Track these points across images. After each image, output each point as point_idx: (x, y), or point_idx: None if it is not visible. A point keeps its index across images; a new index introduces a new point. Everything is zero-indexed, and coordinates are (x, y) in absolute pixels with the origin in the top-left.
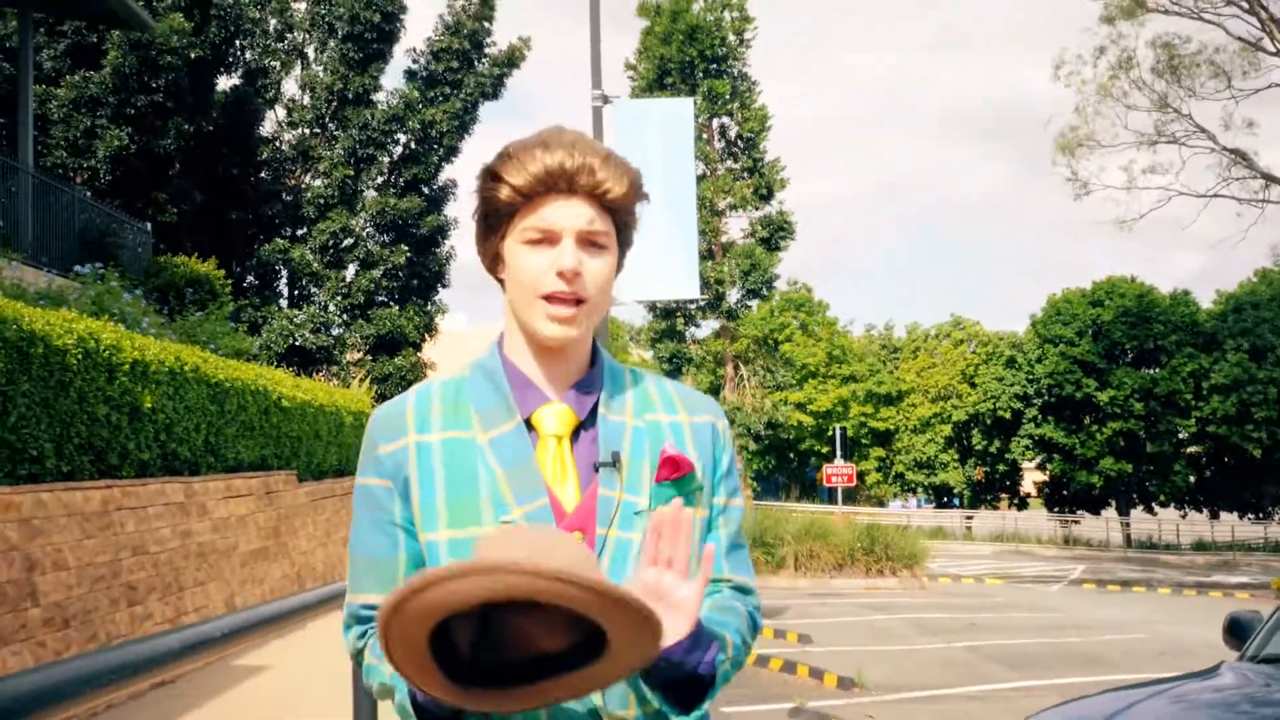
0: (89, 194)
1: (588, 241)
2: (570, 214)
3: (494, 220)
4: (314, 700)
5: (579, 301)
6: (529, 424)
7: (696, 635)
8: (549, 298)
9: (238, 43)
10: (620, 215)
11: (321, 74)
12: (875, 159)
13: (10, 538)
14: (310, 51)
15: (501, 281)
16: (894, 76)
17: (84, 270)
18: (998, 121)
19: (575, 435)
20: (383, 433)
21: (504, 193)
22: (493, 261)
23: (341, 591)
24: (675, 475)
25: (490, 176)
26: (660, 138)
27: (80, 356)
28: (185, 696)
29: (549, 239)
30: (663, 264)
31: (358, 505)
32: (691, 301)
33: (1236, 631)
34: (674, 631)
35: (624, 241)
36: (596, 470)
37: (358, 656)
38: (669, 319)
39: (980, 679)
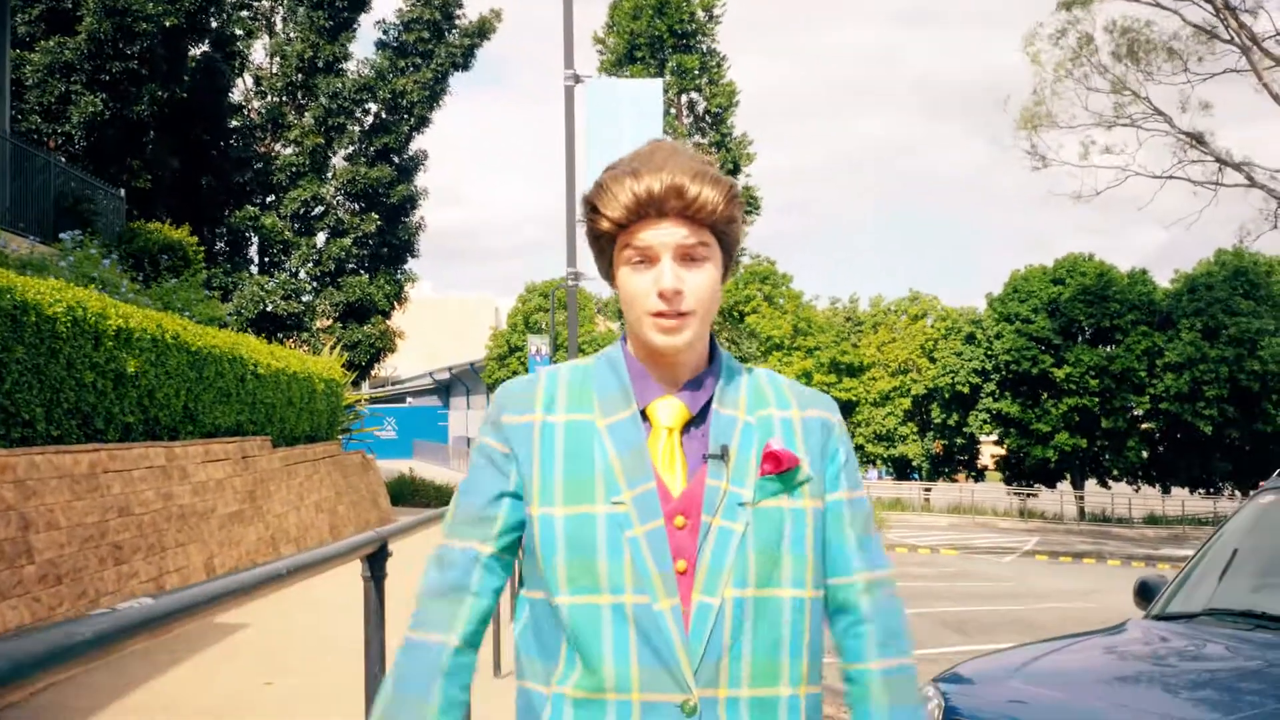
0: (64, 160)
1: (686, 257)
2: (664, 236)
3: (601, 243)
4: (292, 657)
5: (683, 314)
6: (645, 415)
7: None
8: (655, 314)
9: (211, 10)
10: (718, 226)
11: (291, 42)
12: (845, 132)
13: (7, 498)
14: (278, 20)
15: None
16: (866, 51)
17: (65, 238)
18: (968, 98)
19: (687, 428)
20: (512, 405)
21: (602, 223)
22: (610, 275)
23: (317, 560)
24: (778, 470)
25: (589, 208)
26: (631, 117)
27: (69, 324)
28: (170, 652)
29: (649, 259)
30: None
31: (476, 459)
32: None
33: (1145, 594)
34: None
35: (726, 246)
36: (705, 461)
37: (416, 621)
38: None
39: (927, 643)
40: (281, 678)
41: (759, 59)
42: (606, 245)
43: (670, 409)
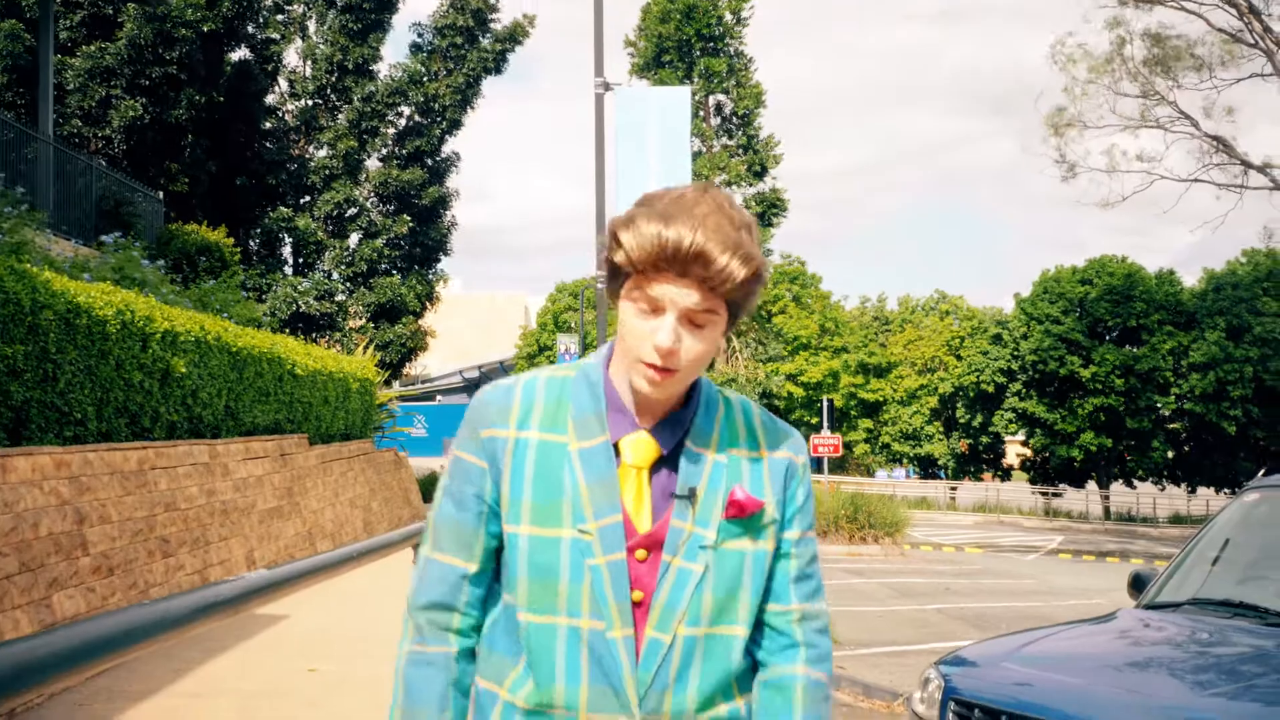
0: (104, 162)
1: (691, 320)
2: (676, 296)
3: (614, 271)
4: (329, 648)
5: (671, 371)
6: (616, 446)
7: None
8: (646, 363)
9: (249, 17)
10: (731, 298)
11: (321, 45)
12: (877, 130)
13: (63, 493)
14: (310, 24)
15: None
16: (899, 48)
17: (107, 240)
18: (1001, 96)
19: (659, 464)
20: (486, 418)
21: (620, 257)
22: (612, 299)
23: (379, 545)
24: (741, 515)
25: (613, 237)
26: (659, 124)
27: (118, 327)
28: (217, 640)
29: (654, 310)
30: None
31: (453, 473)
32: None
33: (1137, 585)
34: None
35: (734, 314)
36: (673, 499)
37: (416, 639)
38: None
39: (944, 637)
40: (324, 664)
41: (790, 56)
42: (620, 275)
43: (640, 448)
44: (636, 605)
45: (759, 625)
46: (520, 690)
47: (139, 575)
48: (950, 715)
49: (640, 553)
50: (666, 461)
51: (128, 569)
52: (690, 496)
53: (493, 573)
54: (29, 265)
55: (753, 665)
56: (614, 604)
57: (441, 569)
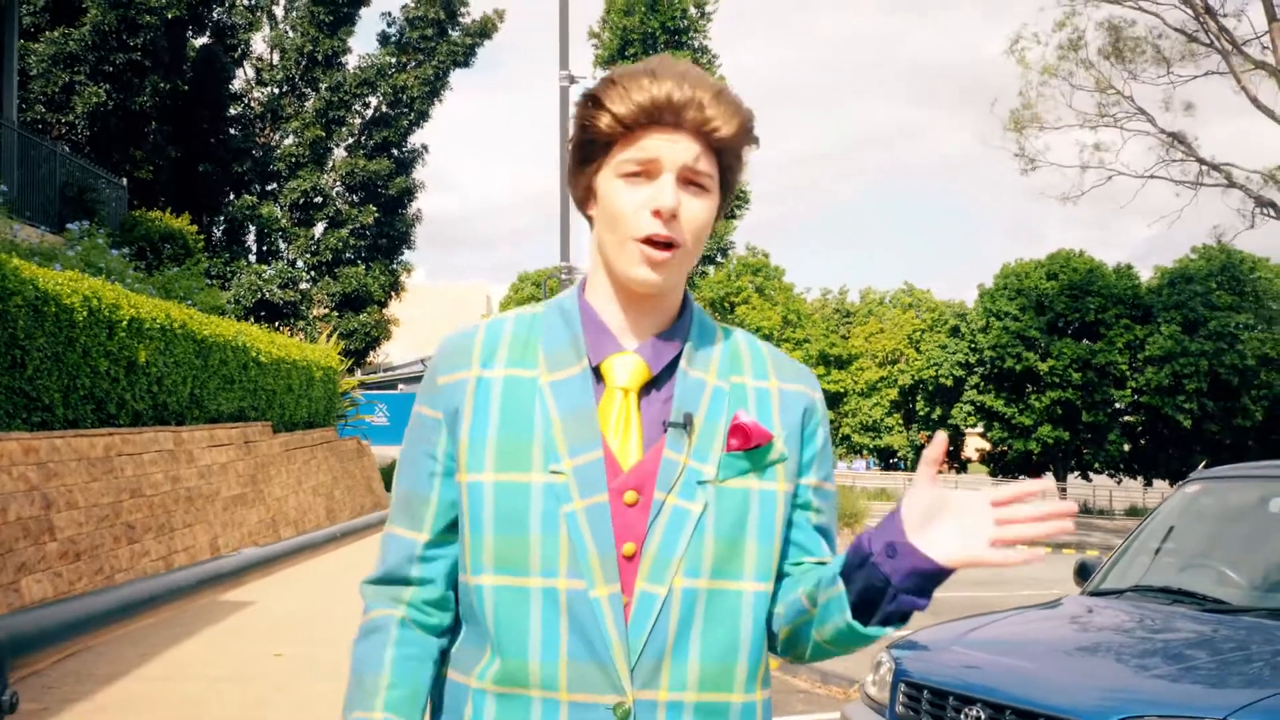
0: (67, 149)
1: (689, 181)
2: (674, 148)
3: (589, 150)
4: (295, 632)
5: (672, 246)
6: (598, 373)
7: (941, 575)
8: (644, 240)
9: (211, 2)
10: (726, 157)
11: (290, 34)
12: (839, 119)
13: (31, 479)
14: (278, 11)
15: (590, 219)
16: (859, 37)
17: (73, 228)
18: (961, 85)
19: (647, 390)
20: (446, 363)
21: (604, 121)
22: (584, 195)
23: (359, 526)
24: (746, 446)
25: (591, 102)
26: None
27: (85, 314)
28: (182, 625)
29: (648, 173)
30: None
31: (408, 432)
32: None
33: (1082, 573)
34: (939, 550)
35: (727, 185)
36: (665, 429)
37: (367, 611)
38: None
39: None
40: (290, 649)
41: (751, 43)
42: (598, 152)
43: (627, 366)
44: (628, 560)
45: (779, 580)
46: (489, 673)
47: (105, 561)
48: (900, 696)
49: (629, 495)
50: (658, 386)
51: (94, 555)
52: (686, 424)
53: (453, 544)
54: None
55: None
56: (595, 556)
57: (395, 542)
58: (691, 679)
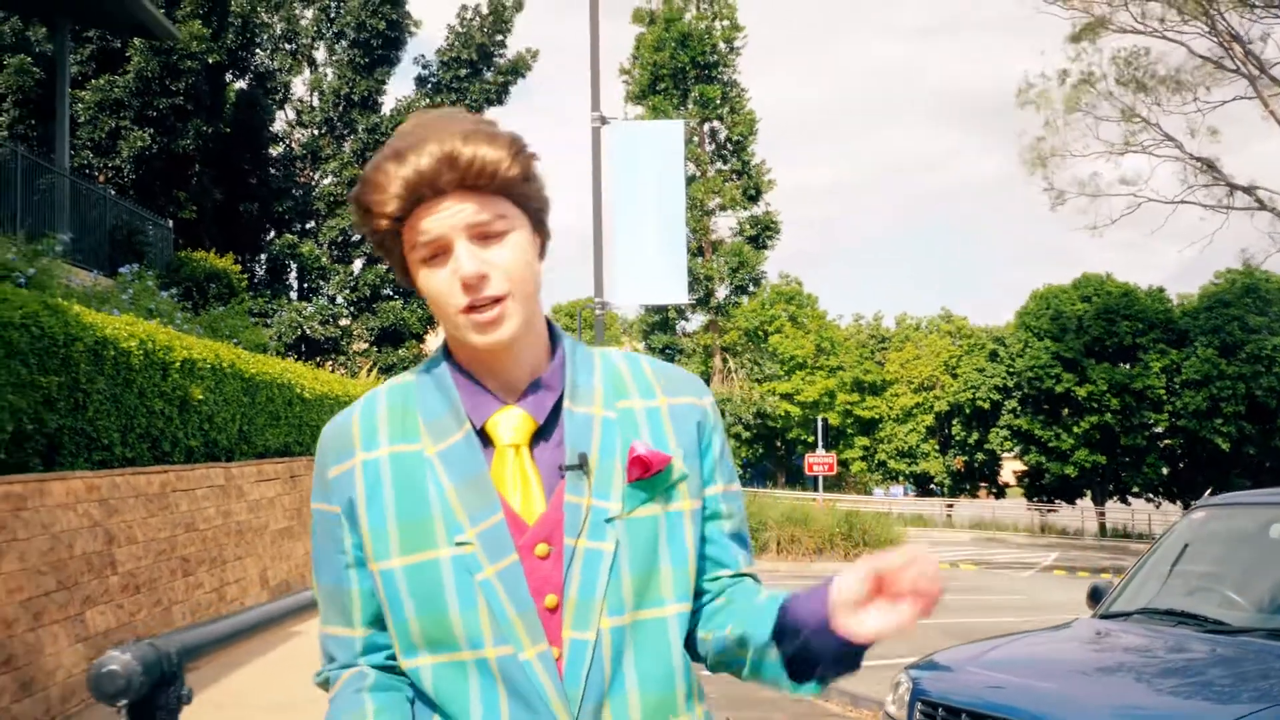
0: (113, 192)
1: (482, 235)
2: (450, 218)
3: (387, 246)
4: None
5: (497, 300)
6: (484, 434)
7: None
8: (467, 309)
9: (251, 47)
10: (509, 189)
11: (328, 77)
12: (868, 147)
13: (94, 515)
14: (318, 55)
15: None
16: (886, 64)
17: (124, 271)
18: (989, 108)
19: (536, 439)
20: (330, 454)
21: (378, 222)
22: (409, 284)
23: None
24: (647, 475)
25: (359, 209)
26: (653, 157)
27: (141, 357)
28: (229, 656)
29: (442, 250)
30: (654, 271)
31: (314, 528)
32: (680, 305)
33: (1095, 596)
34: (860, 631)
35: (529, 207)
36: (563, 474)
37: (323, 687)
38: (661, 312)
39: (927, 650)
40: None
41: (779, 75)
42: (393, 245)
43: (512, 422)
44: (551, 612)
45: (698, 595)
46: None
47: (162, 593)
48: (918, 715)
49: (540, 548)
50: (546, 434)
51: (152, 587)
52: (582, 465)
53: (385, 632)
54: (60, 300)
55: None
56: (516, 619)
57: (334, 641)
58: (633, 713)
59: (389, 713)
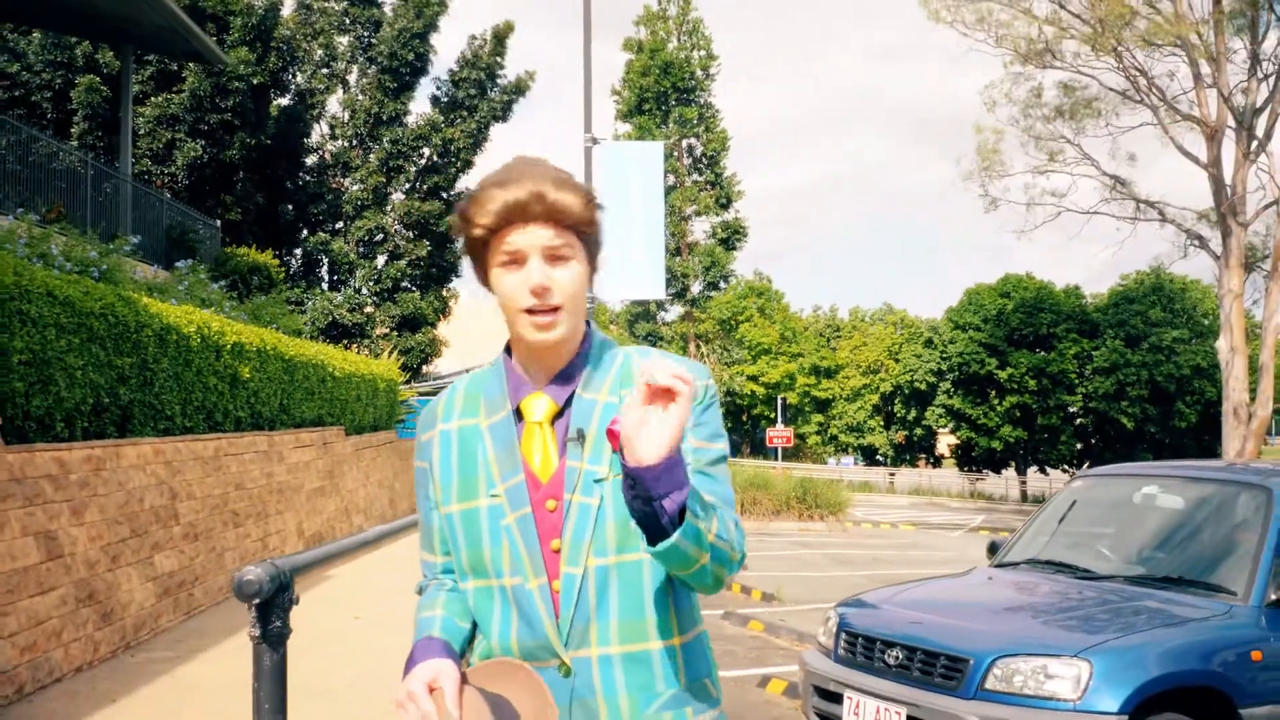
0: (169, 195)
1: (552, 256)
2: (531, 238)
3: (475, 252)
4: (367, 600)
5: (554, 309)
6: (520, 412)
7: (669, 467)
8: (528, 310)
9: (291, 70)
10: (579, 227)
11: (361, 98)
12: (826, 156)
13: (160, 475)
14: (351, 78)
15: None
16: (848, 82)
17: (180, 266)
18: (937, 125)
19: (558, 417)
20: (424, 424)
21: (476, 231)
22: (484, 281)
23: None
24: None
25: (462, 219)
26: (637, 174)
27: (198, 341)
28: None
29: (518, 261)
30: (636, 271)
31: (415, 480)
32: (659, 300)
33: (992, 550)
34: (645, 452)
35: (590, 248)
36: (566, 445)
37: (418, 593)
38: (643, 305)
39: None
40: (367, 613)
41: (749, 93)
42: (480, 251)
43: (538, 405)
44: (555, 553)
45: None
46: (477, 650)
47: (216, 541)
48: (842, 642)
49: (549, 503)
50: (564, 413)
51: (208, 536)
52: (580, 438)
53: None
54: (132, 293)
55: (685, 595)
56: (526, 556)
57: (424, 564)
58: (613, 635)
59: (455, 604)
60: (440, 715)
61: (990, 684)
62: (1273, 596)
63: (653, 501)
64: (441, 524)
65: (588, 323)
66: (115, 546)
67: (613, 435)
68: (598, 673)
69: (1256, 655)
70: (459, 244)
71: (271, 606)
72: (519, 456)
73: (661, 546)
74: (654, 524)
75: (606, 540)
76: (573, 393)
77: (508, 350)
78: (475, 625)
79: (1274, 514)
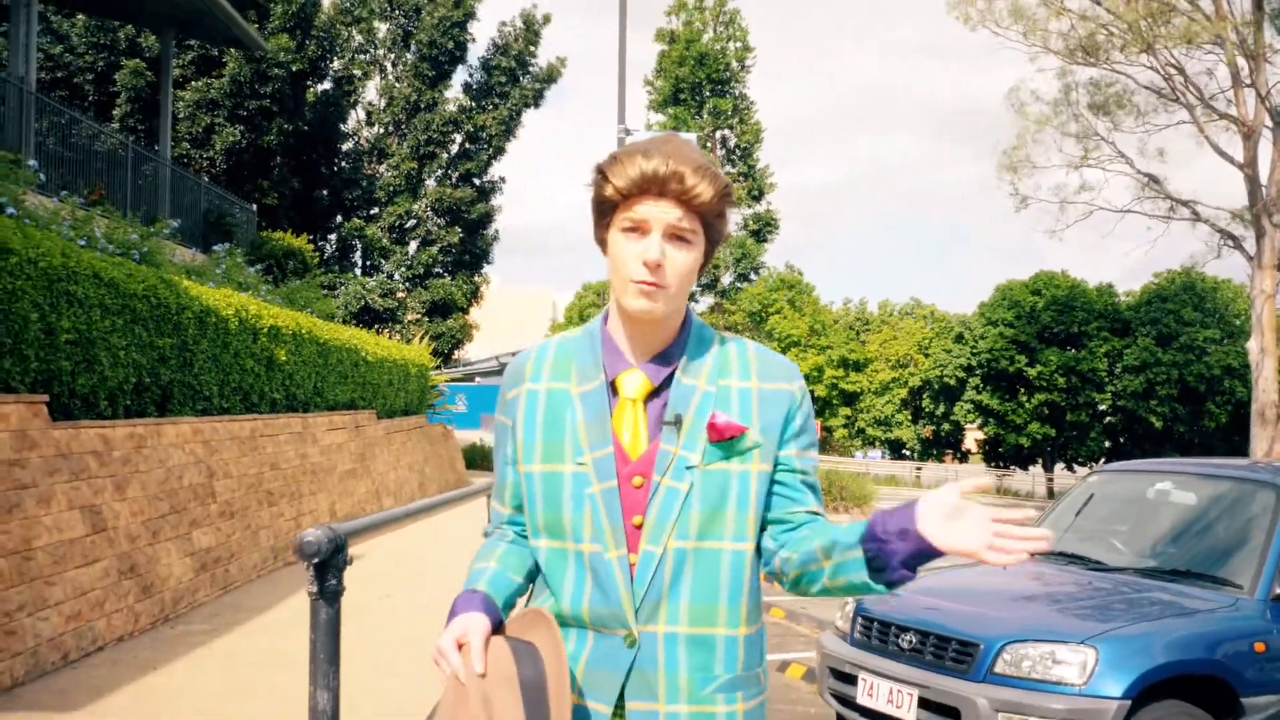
0: (207, 179)
1: (674, 236)
2: (660, 212)
3: (602, 208)
4: (402, 578)
5: (662, 287)
6: (614, 385)
7: (930, 555)
8: (637, 281)
9: (330, 56)
10: (706, 216)
11: (399, 85)
12: (866, 150)
13: (198, 453)
14: (389, 65)
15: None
16: (883, 77)
17: (218, 249)
18: (973, 121)
19: (654, 396)
20: (509, 380)
21: (608, 190)
22: (600, 240)
23: (471, 491)
24: (720, 439)
25: (600, 174)
26: None
27: (236, 324)
28: (298, 575)
29: (641, 230)
30: None
31: (495, 432)
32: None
33: None
34: (942, 542)
35: (711, 238)
36: (663, 427)
37: (485, 538)
38: None
39: None
40: (396, 592)
41: (785, 87)
42: (607, 210)
43: (634, 381)
44: (636, 528)
45: (776, 524)
46: (546, 605)
47: (251, 520)
48: (858, 626)
49: (637, 479)
50: (659, 394)
51: (244, 514)
52: (676, 422)
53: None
54: (173, 276)
55: (754, 591)
56: (608, 527)
57: (493, 512)
58: (683, 616)
59: (513, 555)
60: (467, 670)
61: (1000, 668)
62: (1278, 590)
63: (908, 566)
64: (519, 480)
65: (687, 308)
66: (155, 522)
67: (712, 427)
68: (662, 649)
69: (1260, 646)
70: (590, 197)
71: (328, 566)
72: (610, 429)
73: (878, 586)
74: (880, 565)
75: (690, 525)
76: (670, 375)
77: (604, 320)
78: (530, 579)
79: None
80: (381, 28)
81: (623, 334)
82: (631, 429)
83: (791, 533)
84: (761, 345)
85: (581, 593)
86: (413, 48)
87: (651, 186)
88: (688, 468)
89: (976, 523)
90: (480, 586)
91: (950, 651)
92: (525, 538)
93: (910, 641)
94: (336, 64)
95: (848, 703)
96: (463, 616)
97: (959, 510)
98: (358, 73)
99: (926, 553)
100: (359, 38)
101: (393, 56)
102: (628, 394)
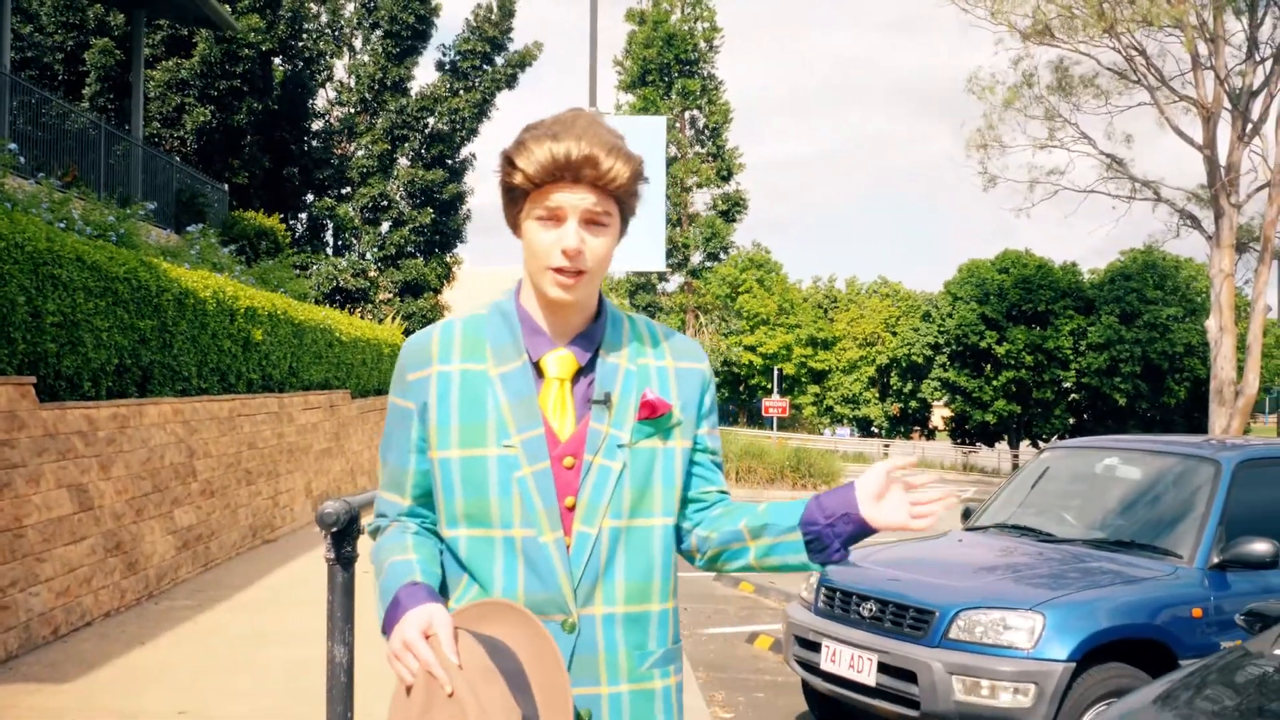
0: (178, 159)
1: (590, 221)
2: (574, 199)
3: (512, 196)
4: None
5: (581, 273)
6: (537, 366)
7: (860, 534)
8: (557, 269)
9: (298, 35)
10: (621, 196)
11: (366, 62)
12: (828, 128)
13: (179, 433)
14: (357, 41)
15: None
16: (853, 54)
17: (191, 230)
18: (942, 99)
19: (577, 376)
20: (411, 361)
21: (518, 178)
22: (514, 227)
23: None
24: (653, 416)
25: (507, 162)
26: (639, 148)
27: (214, 305)
28: (283, 552)
29: (556, 218)
30: (636, 244)
31: (388, 418)
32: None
33: (966, 515)
34: (875, 519)
35: (625, 216)
36: (590, 406)
37: (373, 535)
38: (643, 275)
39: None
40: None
41: (753, 63)
42: (519, 198)
43: (560, 361)
44: (569, 510)
45: (691, 503)
46: (465, 599)
47: (230, 498)
48: (822, 596)
49: (567, 460)
50: (584, 373)
51: (223, 493)
52: (606, 401)
53: (431, 505)
54: (153, 259)
55: (675, 565)
56: (542, 510)
57: (387, 504)
58: (619, 596)
59: (424, 547)
60: (439, 662)
61: (954, 634)
62: (1215, 560)
63: (846, 545)
64: (427, 468)
65: (600, 292)
66: (139, 500)
67: (647, 405)
68: (600, 631)
69: (1197, 612)
70: (499, 181)
71: (344, 534)
72: (538, 410)
73: (815, 565)
74: (820, 547)
75: (623, 503)
76: (595, 354)
77: (515, 298)
78: (441, 571)
79: (1221, 485)
80: (349, 6)
81: (541, 315)
82: (559, 410)
83: (705, 511)
84: (663, 324)
85: (515, 580)
86: (376, 24)
87: (564, 173)
88: (619, 446)
89: (899, 498)
90: (419, 579)
91: (908, 619)
92: (429, 530)
93: (871, 610)
94: (304, 41)
95: (812, 669)
96: (421, 608)
97: (885, 489)
98: (324, 50)
99: (864, 532)
100: (325, 15)
101: (360, 34)
102: (554, 374)
